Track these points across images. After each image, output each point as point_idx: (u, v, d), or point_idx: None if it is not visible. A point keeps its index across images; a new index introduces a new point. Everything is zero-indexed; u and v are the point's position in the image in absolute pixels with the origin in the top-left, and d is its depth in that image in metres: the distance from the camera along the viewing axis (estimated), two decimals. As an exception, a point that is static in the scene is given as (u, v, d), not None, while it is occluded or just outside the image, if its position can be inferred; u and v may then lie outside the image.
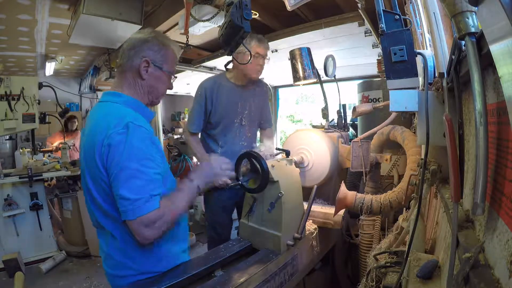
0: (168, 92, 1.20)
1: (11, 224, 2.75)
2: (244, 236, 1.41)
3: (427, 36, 1.19)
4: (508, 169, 0.49)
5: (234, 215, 2.11)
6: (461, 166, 0.80)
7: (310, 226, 1.56)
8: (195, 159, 4.53)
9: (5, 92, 2.93)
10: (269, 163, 1.27)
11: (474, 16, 0.60)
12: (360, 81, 2.76)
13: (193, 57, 4.56)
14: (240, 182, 1.31)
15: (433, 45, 1.00)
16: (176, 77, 1.22)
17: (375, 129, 1.78)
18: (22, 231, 2.80)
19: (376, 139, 1.79)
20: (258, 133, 2.23)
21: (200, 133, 2.01)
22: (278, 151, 1.56)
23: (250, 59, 1.49)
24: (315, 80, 1.99)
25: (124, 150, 0.92)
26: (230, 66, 1.87)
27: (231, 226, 2.07)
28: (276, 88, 5.50)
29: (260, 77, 2.07)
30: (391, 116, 1.71)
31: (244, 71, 1.87)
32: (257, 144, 2.02)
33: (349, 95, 3.79)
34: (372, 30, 2.42)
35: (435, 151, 1.08)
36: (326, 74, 1.94)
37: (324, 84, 2.04)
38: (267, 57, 1.93)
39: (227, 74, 1.97)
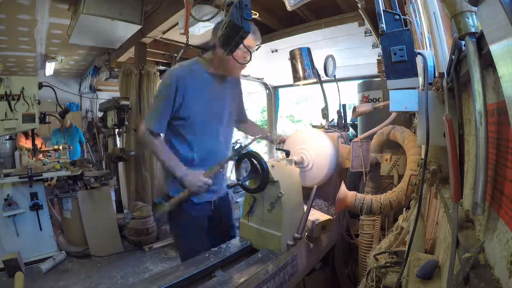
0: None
1: (11, 224, 2.75)
2: (244, 236, 1.41)
3: (427, 36, 1.19)
4: (508, 169, 0.49)
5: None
6: (461, 166, 0.80)
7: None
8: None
9: (5, 92, 2.93)
10: (269, 163, 1.27)
11: (474, 16, 0.60)
12: (360, 81, 2.76)
13: (193, 57, 4.56)
14: (240, 182, 1.31)
15: (433, 45, 1.00)
16: None
17: (375, 129, 1.78)
18: (22, 231, 2.80)
19: (376, 139, 1.79)
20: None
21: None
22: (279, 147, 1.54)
23: (250, 59, 1.40)
24: (315, 80, 1.99)
25: None
26: (208, 55, 1.59)
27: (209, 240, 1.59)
28: (276, 88, 5.49)
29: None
30: (391, 116, 1.71)
31: (226, 66, 1.55)
32: (231, 145, 1.59)
33: (349, 95, 3.78)
34: (372, 30, 2.42)
35: (435, 151, 1.08)
36: (326, 74, 1.94)
37: (324, 84, 2.04)
38: (254, 49, 1.58)
39: (202, 61, 1.59)
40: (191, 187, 1.46)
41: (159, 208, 1.52)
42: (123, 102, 3.48)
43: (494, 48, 0.46)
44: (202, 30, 2.85)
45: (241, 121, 1.87)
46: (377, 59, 2.73)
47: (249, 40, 1.45)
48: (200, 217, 1.57)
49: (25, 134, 4.37)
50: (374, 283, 1.11)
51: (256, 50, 1.60)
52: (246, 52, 1.46)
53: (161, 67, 4.48)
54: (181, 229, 1.59)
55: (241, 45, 1.28)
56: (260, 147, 6.18)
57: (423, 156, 1.00)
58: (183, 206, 1.52)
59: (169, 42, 4.03)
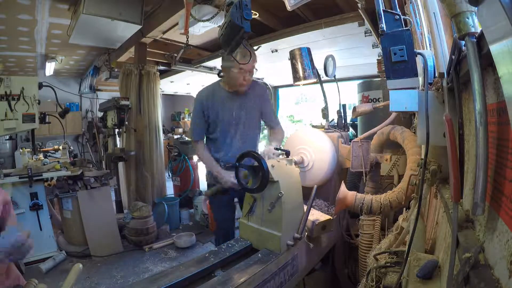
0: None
1: (11, 224, 2.75)
2: (244, 236, 1.41)
3: (427, 36, 1.19)
4: (508, 169, 0.49)
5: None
6: (461, 166, 0.80)
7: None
8: (195, 159, 4.55)
9: (5, 92, 2.92)
10: (269, 163, 1.27)
11: (474, 16, 0.60)
12: (360, 81, 2.76)
13: (193, 57, 4.57)
14: (236, 164, 1.32)
15: (433, 45, 1.00)
16: None
17: (375, 129, 1.78)
18: (22, 231, 2.80)
19: (376, 139, 1.79)
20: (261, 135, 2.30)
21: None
22: (278, 151, 1.57)
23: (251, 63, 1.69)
24: (315, 80, 1.99)
25: None
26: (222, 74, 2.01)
27: (234, 221, 2.19)
28: (276, 88, 5.50)
29: (258, 78, 2.12)
30: (391, 116, 1.71)
31: (231, 81, 1.96)
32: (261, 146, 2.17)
33: (349, 95, 3.79)
34: (372, 30, 2.42)
35: (435, 151, 1.08)
36: (326, 74, 1.94)
37: (324, 84, 2.04)
38: (255, 69, 1.99)
39: (221, 82, 2.06)
40: (224, 183, 1.91)
41: (209, 190, 2.03)
42: (123, 102, 3.47)
43: (494, 48, 0.46)
44: (202, 30, 2.85)
45: (270, 127, 2.20)
46: (377, 59, 2.73)
47: (245, 65, 1.83)
48: (229, 199, 2.08)
49: None
50: (374, 283, 1.11)
51: (257, 70, 2.04)
52: (242, 71, 1.87)
53: (161, 67, 4.48)
54: (216, 205, 2.17)
55: (238, 69, 1.83)
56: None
57: (423, 156, 1.00)
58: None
59: (169, 42, 4.03)
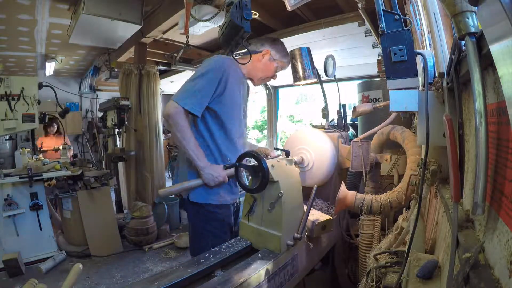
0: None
1: (11, 224, 2.75)
2: (244, 236, 1.41)
3: (427, 36, 1.19)
4: (508, 169, 0.49)
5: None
6: (461, 166, 0.80)
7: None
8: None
9: (5, 92, 2.92)
10: (269, 163, 1.27)
11: (474, 16, 0.60)
12: (360, 81, 2.76)
13: (193, 57, 4.57)
14: (237, 164, 1.31)
15: (433, 45, 1.00)
16: None
17: (375, 129, 1.78)
18: (22, 231, 2.80)
19: (376, 139, 1.79)
20: None
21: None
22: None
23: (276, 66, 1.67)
24: (315, 80, 1.99)
25: None
26: (246, 60, 1.59)
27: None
28: (276, 88, 5.49)
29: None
30: (391, 116, 1.70)
31: (256, 75, 1.72)
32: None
33: (349, 95, 3.79)
34: (372, 30, 2.42)
35: (435, 151, 1.08)
36: (326, 74, 1.94)
37: (324, 84, 2.04)
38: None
39: (240, 64, 1.65)
40: (207, 180, 1.50)
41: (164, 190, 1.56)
42: (123, 102, 3.47)
43: (494, 48, 0.46)
44: (202, 30, 2.85)
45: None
46: (377, 59, 2.73)
47: (285, 63, 1.78)
48: (226, 220, 1.62)
49: (45, 130, 4.40)
50: (374, 283, 1.11)
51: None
52: (278, 66, 1.74)
53: (161, 67, 4.48)
54: (206, 230, 1.59)
55: (277, 66, 1.70)
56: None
57: (423, 156, 1.00)
58: (208, 209, 1.56)
59: (169, 42, 4.03)
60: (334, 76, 2.00)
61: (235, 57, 1.45)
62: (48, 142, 4.40)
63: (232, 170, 1.46)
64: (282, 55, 1.76)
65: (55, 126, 4.59)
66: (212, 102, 1.52)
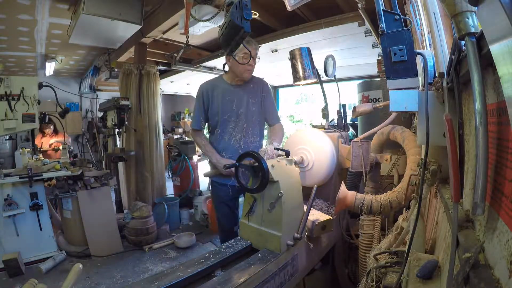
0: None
1: (11, 224, 2.75)
2: (244, 236, 1.41)
3: (427, 36, 1.19)
4: (508, 169, 0.49)
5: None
6: (461, 166, 0.80)
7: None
8: (195, 159, 4.55)
9: (5, 92, 2.92)
10: (269, 163, 1.27)
11: (474, 16, 0.60)
12: (360, 81, 2.76)
13: (193, 57, 4.57)
14: (237, 164, 1.32)
15: (433, 45, 1.00)
16: None
17: (375, 129, 1.78)
18: (22, 231, 2.80)
19: (376, 139, 1.79)
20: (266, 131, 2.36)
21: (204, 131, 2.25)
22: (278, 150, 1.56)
23: (249, 60, 1.80)
24: (315, 80, 1.99)
25: None
26: (226, 68, 2.07)
27: (236, 217, 2.21)
28: (276, 88, 5.49)
29: (260, 77, 2.20)
30: (391, 116, 1.70)
31: (235, 72, 2.03)
32: (262, 141, 2.23)
33: (349, 95, 3.79)
34: (372, 30, 2.42)
35: (435, 151, 1.08)
36: (326, 74, 1.94)
37: (324, 84, 2.04)
38: (257, 57, 2.07)
39: (224, 76, 2.13)
40: (220, 169, 2.01)
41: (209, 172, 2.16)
42: (123, 102, 3.47)
43: (494, 48, 0.46)
44: (202, 30, 2.85)
45: (269, 124, 2.25)
46: (377, 59, 2.73)
47: (252, 50, 1.89)
48: (223, 195, 2.13)
49: (41, 131, 4.40)
50: (374, 283, 1.11)
51: (259, 58, 2.11)
52: (246, 54, 1.91)
53: (161, 67, 4.49)
54: (214, 201, 2.29)
55: (241, 47, 1.63)
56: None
57: (423, 156, 1.00)
58: (214, 185, 2.18)
59: (169, 42, 4.03)
60: (334, 76, 2.00)
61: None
62: (46, 143, 4.40)
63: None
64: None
65: (51, 127, 4.58)
66: (207, 116, 2.11)
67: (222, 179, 2.09)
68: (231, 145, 2.08)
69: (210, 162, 2.16)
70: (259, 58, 2.11)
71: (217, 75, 2.27)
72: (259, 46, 2.12)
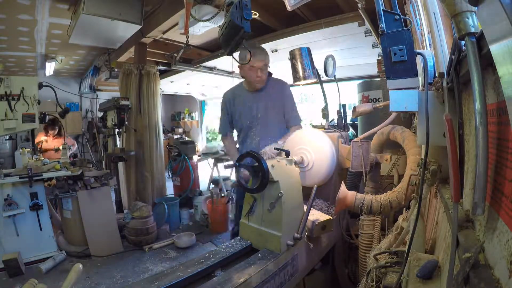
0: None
1: (11, 224, 2.75)
2: (244, 236, 1.41)
3: (427, 36, 1.19)
4: (508, 169, 0.49)
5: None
6: (461, 166, 0.80)
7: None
8: (195, 159, 4.56)
9: (5, 92, 2.92)
10: (269, 163, 1.27)
11: (474, 16, 0.60)
12: (360, 81, 2.76)
13: (193, 57, 4.57)
14: (236, 164, 1.32)
15: (433, 45, 1.00)
16: None
17: (375, 129, 1.78)
18: (22, 231, 2.80)
19: (376, 139, 1.79)
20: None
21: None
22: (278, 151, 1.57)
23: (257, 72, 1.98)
24: (315, 80, 1.99)
25: None
26: (236, 69, 2.23)
27: None
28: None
29: (278, 77, 2.26)
30: (391, 116, 1.70)
31: (248, 80, 2.16)
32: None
33: (349, 95, 3.79)
34: (372, 30, 2.42)
35: (435, 151, 1.08)
36: (326, 74, 1.94)
37: (324, 84, 2.04)
38: (268, 66, 2.13)
39: (244, 83, 2.27)
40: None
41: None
42: (123, 102, 3.47)
43: (494, 48, 0.46)
44: (202, 30, 2.85)
45: (287, 126, 2.26)
46: (377, 59, 2.73)
47: (256, 62, 2.00)
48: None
49: (46, 130, 4.39)
50: (374, 283, 1.11)
51: (269, 67, 2.17)
52: (253, 67, 2.03)
53: (161, 67, 4.49)
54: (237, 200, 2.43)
55: (250, 67, 2.01)
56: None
57: (423, 156, 1.00)
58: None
59: (169, 42, 4.03)
60: (334, 76, 2.00)
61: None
62: (47, 143, 4.39)
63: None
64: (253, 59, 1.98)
65: (57, 128, 4.55)
66: (232, 123, 2.33)
67: None
68: (252, 148, 2.14)
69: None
70: (269, 67, 2.16)
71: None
72: (268, 56, 2.12)
